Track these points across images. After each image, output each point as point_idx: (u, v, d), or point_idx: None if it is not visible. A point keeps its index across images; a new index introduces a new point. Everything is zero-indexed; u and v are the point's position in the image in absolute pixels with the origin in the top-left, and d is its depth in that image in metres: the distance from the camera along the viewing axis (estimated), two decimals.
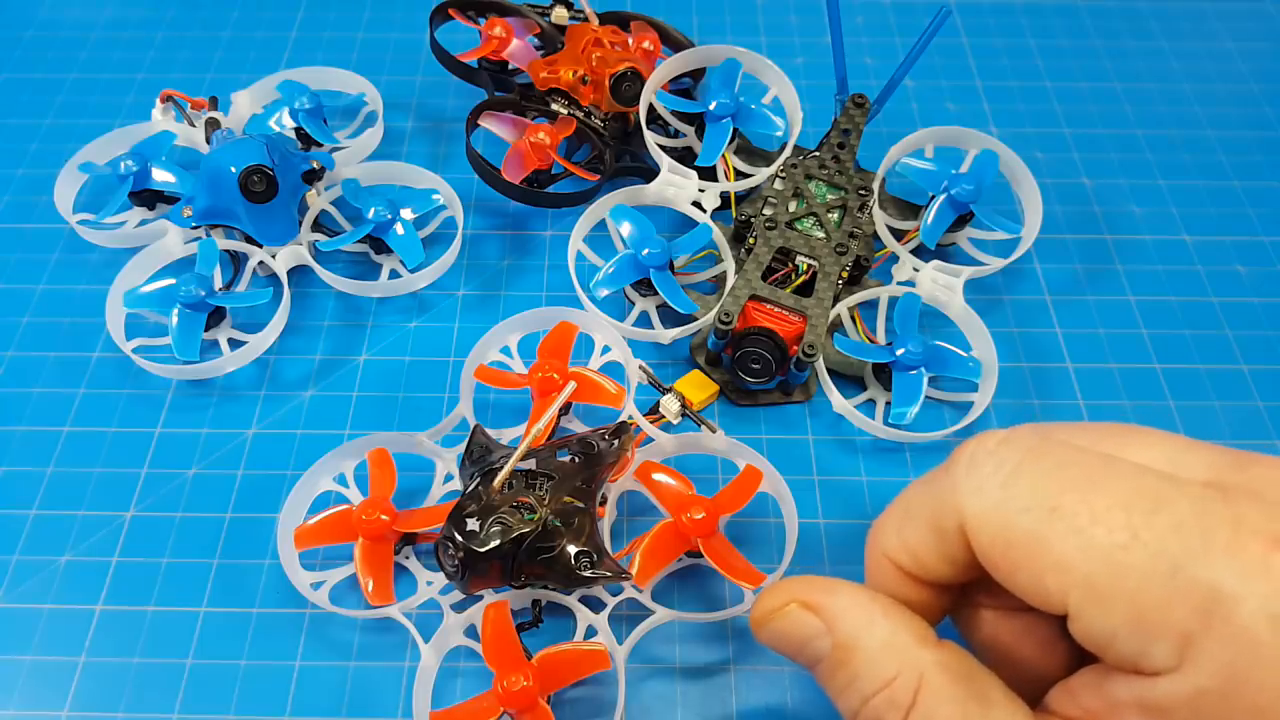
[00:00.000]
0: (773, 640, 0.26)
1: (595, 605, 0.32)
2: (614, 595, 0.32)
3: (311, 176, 0.42)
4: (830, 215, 0.40)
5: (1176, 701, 0.20)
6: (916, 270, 0.40)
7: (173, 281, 0.38)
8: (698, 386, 0.38)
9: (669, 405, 0.35)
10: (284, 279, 0.40)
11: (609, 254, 0.39)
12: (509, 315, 0.38)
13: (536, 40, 0.46)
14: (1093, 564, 0.20)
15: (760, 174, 0.42)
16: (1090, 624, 0.21)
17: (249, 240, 0.41)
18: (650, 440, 0.35)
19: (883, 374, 0.38)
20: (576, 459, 0.32)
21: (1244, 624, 0.19)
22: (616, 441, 0.33)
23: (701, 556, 0.32)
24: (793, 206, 0.40)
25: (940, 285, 0.39)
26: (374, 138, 0.45)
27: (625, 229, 0.40)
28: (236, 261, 0.41)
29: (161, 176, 0.42)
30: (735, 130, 0.42)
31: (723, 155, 0.41)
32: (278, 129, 0.44)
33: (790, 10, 0.55)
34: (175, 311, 0.38)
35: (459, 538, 0.29)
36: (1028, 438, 0.23)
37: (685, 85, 0.47)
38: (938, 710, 0.22)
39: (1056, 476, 0.22)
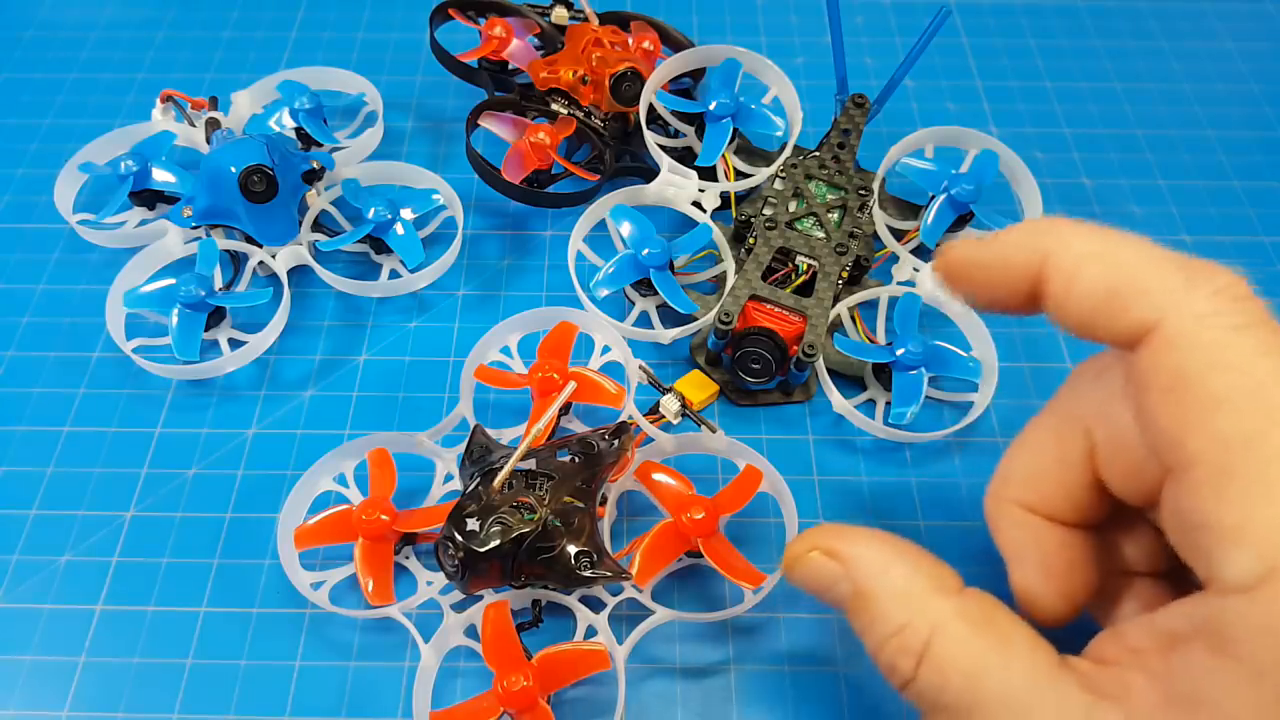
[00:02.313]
0: (799, 583, 0.26)
1: (595, 605, 0.32)
2: (614, 595, 0.32)
3: (311, 176, 0.42)
4: (830, 215, 0.40)
5: (1248, 628, 0.19)
6: (916, 270, 0.40)
7: (173, 281, 0.38)
8: (698, 386, 0.38)
9: (669, 405, 0.35)
10: (284, 279, 0.40)
11: (609, 254, 0.39)
12: (509, 315, 0.38)
13: (536, 40, 0.46)
14: (1251, 464, 0.19)
15: (760, 174, 0.42)
16: (1194, 506, 0.20)
17: (249, 240, 0.41)
18: (650, 440, 0.35)
19: (883, 374, 0.38)
20: (576, 459, 0.32)
21: None
22: (616, 441, 0.33)
23: (701, 556, 0.32)
24: (793, 206, 0.40)
25: (940, 285, 0.39)
26: (374, 138, 0.45)
27: (625, 229, 0.40)
28: (236, 261, 0.41)
29: (161, 176, 0.42)
30: (735, 130, 0.42)
31: (723, 155, 0.41)
32: (278, 129, 0.44)
33: (790, 10, 0.55)
34: (175, 311, 0.38)
35: (459, 538, 0.29)
36: (1264, 312, 0.22)
37: (685, 85, 0.47)
38: (953, 657, 0.22)
39: None
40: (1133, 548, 0.26)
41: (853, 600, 0.25)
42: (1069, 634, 0.25)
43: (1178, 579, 0.26)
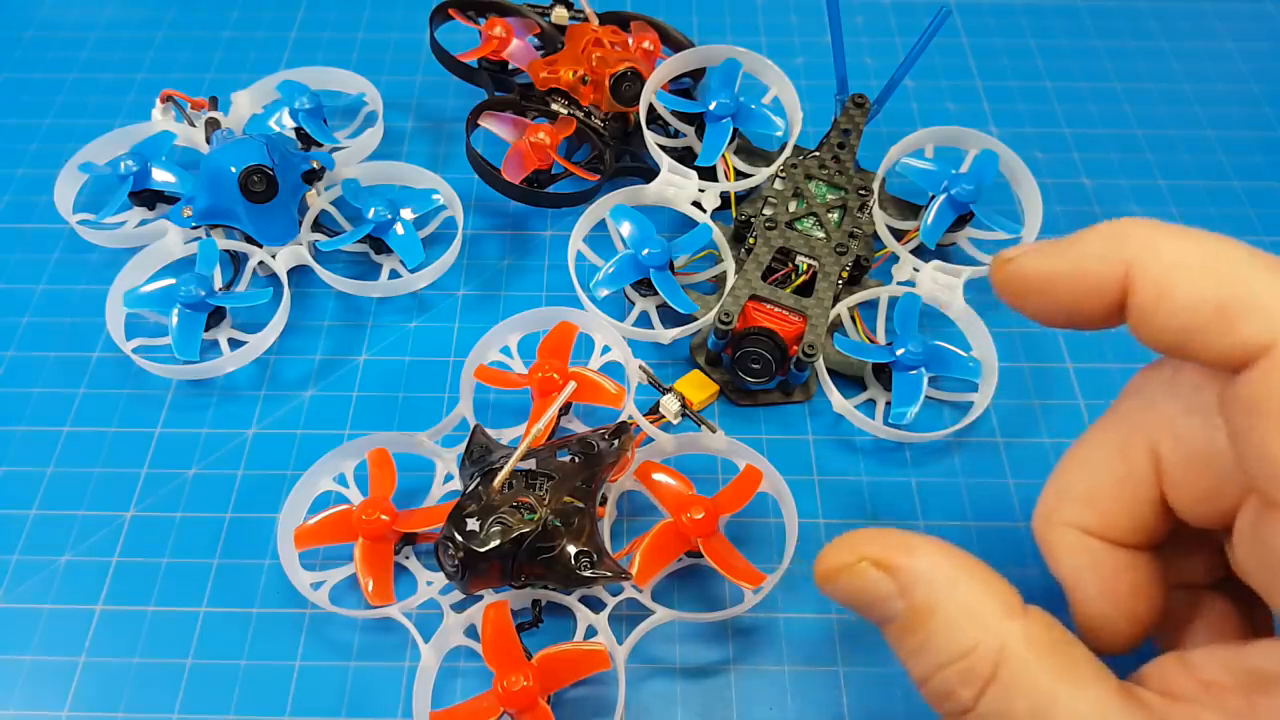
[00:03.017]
0: (837, 596, 0.24)
1: (595, 605, 0.32)
2: (614, 595, 0.32)
3: (311, 176, 0.42)
4: (830, 215, 0.40)
5: None
6: (916, 270, 0.40)
7: (173, 281, 0.38)
8: (698, 386, 0.38)
9: (669, 405, 0.35)
10: (284, 279, 0.40)
11: (609, 254, 0.39)
12: (509, 315, 0.38)
13: (536, 40, 0.46)
14: None
15: (760, 174, 0.42)
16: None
17: (249, 240, 0.41)
18: (650, 440, 0.35)
19: (883, 374, 0.38)
20: (576, 459, 0.32)
21: None
22: (616, 441, 0.33)
23: (701, 556, 0.32)
24: (793, 206, 0.40)
25: (940, 285, 0.39)
26: (374, 138, 0.45)
27: (625, 229, 0.40)
28: (236, 261, 0.41)
29: (161, 176, 0.42)
30: (735, 130, 0.42)
31: (723, 155, 0.41)
32: (278, 129, 0.44)
33: (790, 10, 0.55)
34: (175, 311, 0.38)
35: (459, 538, 0.29)
36: None
37: (685, 85, 0.47)
38: (1020, 686, 0.20)
39: None
40: (1191, 562, 0.25)
41: (907, 617, 0.22)
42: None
43: (1236, 590, 0.24)
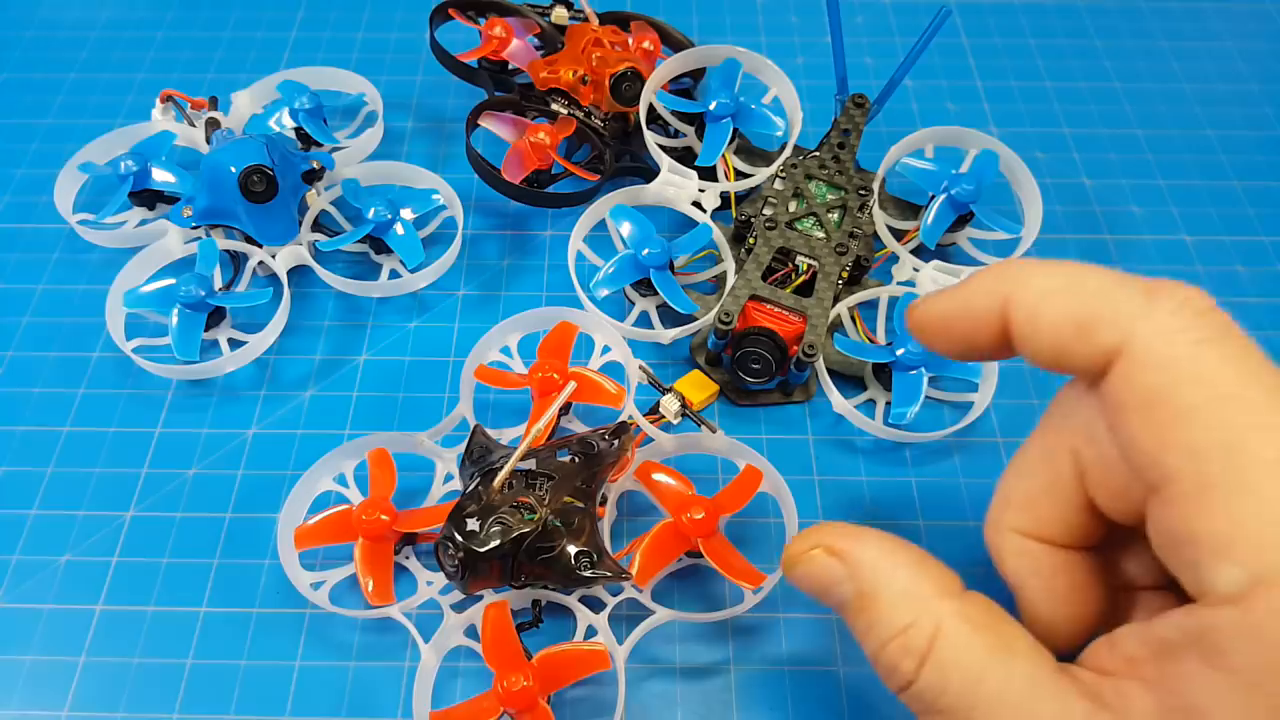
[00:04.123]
0: (799, 582, 0.26)
1: (595, 605, 0.32)
2: (614, 595, 0.32)
3: (311, 176, 0.42)
4: (830, 215, 0.40)
5: (1238, 639, 0.19)
6: (916, 270, 0.40)
7: (173, 281, 0.38)
8: (698, 386, 0.38)
9: (669, 405, 0.35)
10: (284, 279, 0.40)
11: (609, 254, 0.39)
12: (509, 315, 0.38)
13: (536, 40, 0.46)
14: (1229, 473, 0.19)
15: (760, 174, 0.42)
16: (1177, 521, 0.20)
17: (249, 240, 0.41)
18: (650, 440, 0.35)
19: (883, 374, 0.38)
20: (576, 459, 0.32)
21: None
22: (616, 441, 0.33)
23: (701, 556, 0.32)
24: (793, 206, 0.40)
25: (940, 285, 0.39)
26: (374, 138, 0.45)
27: (625, 229, 0.40)
28: (236, 261, 0.41)
29: (161, 176, 0.42)
30: (735, 130, 0.42)
31: (723, 155, 0.41)
32: (278, 129, 0.44)
33: (790, 10, 0.55)
34: (175, 311, 0.38)
35: (459, 538, 0.29)
36: (1229, 323, 0.21)
37: (685, 85, 0.47)
38: (955, 659, 0.22)
39: (1255, 380, 0.20)
40: (1134, 564, 0.26)
41: (855, 600, 0.24)
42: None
43: (1180, 590, 0.26)
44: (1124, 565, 0.26)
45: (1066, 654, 0.24)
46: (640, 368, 0.36)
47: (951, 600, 0.23)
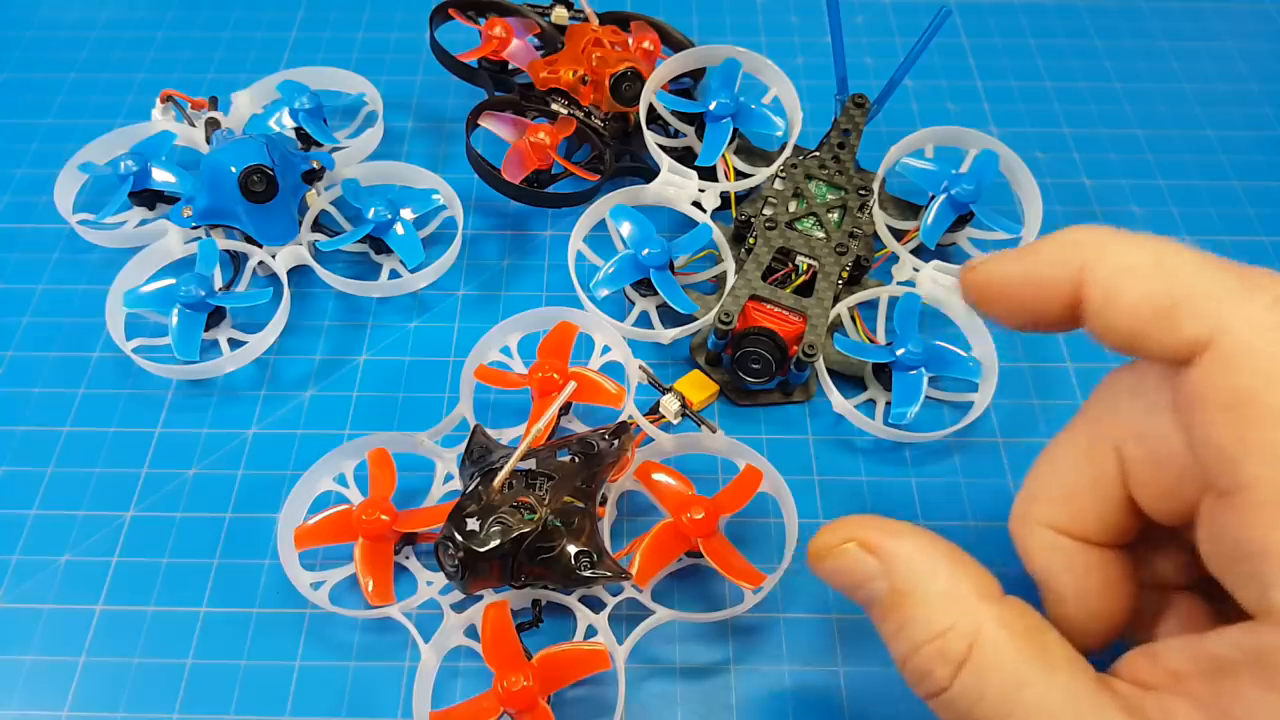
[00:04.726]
0: (827, 576, 0.25)
1: (595, 605, 0.32)
2: (614, 595, 0.32)
3: (311, 176, 0.42)
4: (830, 215, 0.40)
5: None
6: (916, 270, 0.40)
7: (173, 281, 0.38)
8: (698, 386, 0.38)
9: (669, 405, 0.35)
10: (284, 279, 0.40)
11: (609, 254, 0.39)
12: (509, 315, 0.38)
13: (536, 40, 0.46)
14: None
15: (760, 174, 0.42)
16: (1247, 531, 0.19)
17: (249, 240, 0.41)
18: (650, 440, 0.35)
19: (883, 374, 0.38)
20: (576, 459, 0.32)
21: None
22: (616, 441, 0.33)
23: (701, 556, 0.32)
24: (793, 206, 0.40)
25: (940, 285, 0.39)
26: (374, 138, 0.45)
27: (625, 229, 0.40)
28: (236, 261, 0.41)
29: (161, 176, 0.42)
30: (735, 130, 0.42)
31: (723, 155, 0.41)
32: (278, 129, 0.44)
33: (790, 10, 0.55)
34: (175, 311, 0.38)
35: (459, 538, 0.29)
36: None
37: (685, 85, 0.47)
38: (993, 667, 0.21)
39: None
40: (1165, 562, 0.25)
41: (888, 598, 0.23)
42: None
43: (1210, 591, 0.25)
44: (1156, 564, 0.25)
45: (1093, 655, 0.23)
46: (640, 368, 0.36)
47: (992, 604, 0.22)
